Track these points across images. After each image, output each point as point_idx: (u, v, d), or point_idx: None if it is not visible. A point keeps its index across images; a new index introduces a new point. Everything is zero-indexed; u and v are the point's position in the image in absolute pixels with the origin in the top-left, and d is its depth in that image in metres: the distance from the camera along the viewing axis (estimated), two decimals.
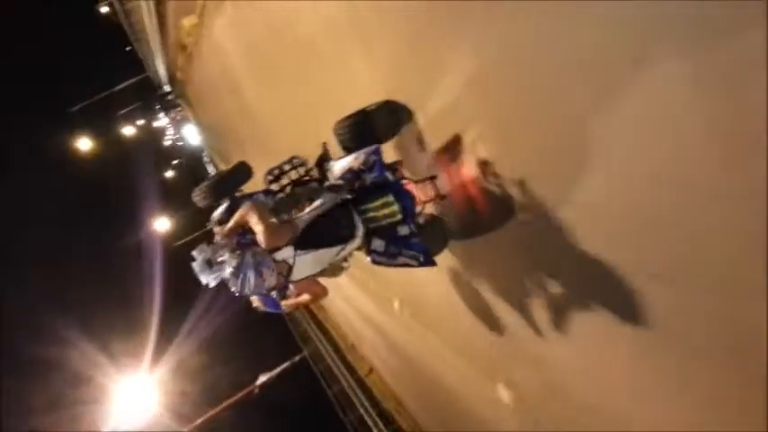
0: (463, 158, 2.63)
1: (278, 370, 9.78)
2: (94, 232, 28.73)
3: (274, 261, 2.10)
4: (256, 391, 9.50)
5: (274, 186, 2.72)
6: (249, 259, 2.04)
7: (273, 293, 2.35)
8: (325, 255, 2.26)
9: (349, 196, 2.38)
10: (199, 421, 9.14)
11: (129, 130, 27.64)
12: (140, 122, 29.68)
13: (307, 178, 2.80)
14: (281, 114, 5.59)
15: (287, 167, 2.77)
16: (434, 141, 2.79)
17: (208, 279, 2.49)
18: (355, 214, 2.35)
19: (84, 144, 20.97)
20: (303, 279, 2.21)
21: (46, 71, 32.54)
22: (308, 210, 2.30)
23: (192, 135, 21.98)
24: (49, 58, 32.36)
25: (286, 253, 2.12)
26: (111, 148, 26.32)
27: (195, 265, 2.50)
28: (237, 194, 2.66)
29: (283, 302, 2.42)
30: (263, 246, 2.08)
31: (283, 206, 2.64)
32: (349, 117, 2.47)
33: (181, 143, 25.94)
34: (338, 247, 2.31)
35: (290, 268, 2.13)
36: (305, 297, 2.37)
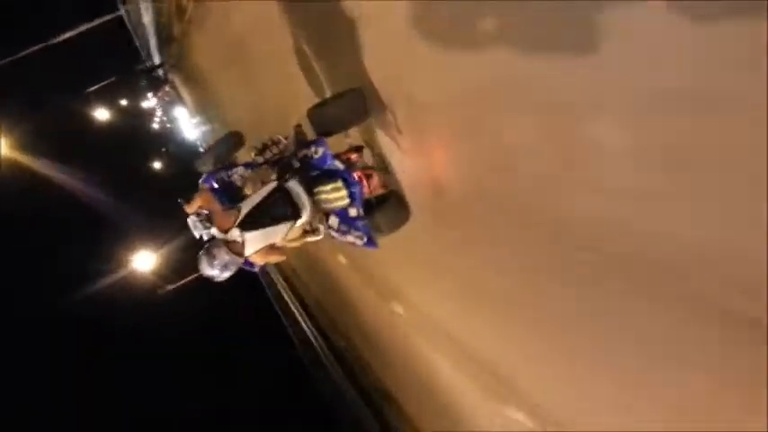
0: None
1: None
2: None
3: (227, 241, 2.62)
4: None
5: (259, 159, 3.24)
6: (206, 246, 2.62)
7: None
8: (274, 231, 2.71)
9: (289, 182, 2.79)
10: None
11: (102, 114, 20.61)
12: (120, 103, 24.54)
13: (284, 156, 3.30)
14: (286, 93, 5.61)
15: (269, 144, 3.29)
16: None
17: (201, 233, 3.04)
18: (302, 195, 2.78)
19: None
20: (258, 251, 2.68)
21: None
22: (252, 195, 2.76)
23: (184, 117, 19.24)
24: None
25: (235, 233, 2.63)
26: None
27: (189, 221, 3.05)
28: (229, 162, 3.19)
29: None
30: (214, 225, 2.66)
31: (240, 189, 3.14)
32: (317, 105, 2.95)
33: (170, 126, 24.45)
34: (284, 225, 2.74)
35: (242, 244, 2.62)
36: (266, 259, 2.85)
